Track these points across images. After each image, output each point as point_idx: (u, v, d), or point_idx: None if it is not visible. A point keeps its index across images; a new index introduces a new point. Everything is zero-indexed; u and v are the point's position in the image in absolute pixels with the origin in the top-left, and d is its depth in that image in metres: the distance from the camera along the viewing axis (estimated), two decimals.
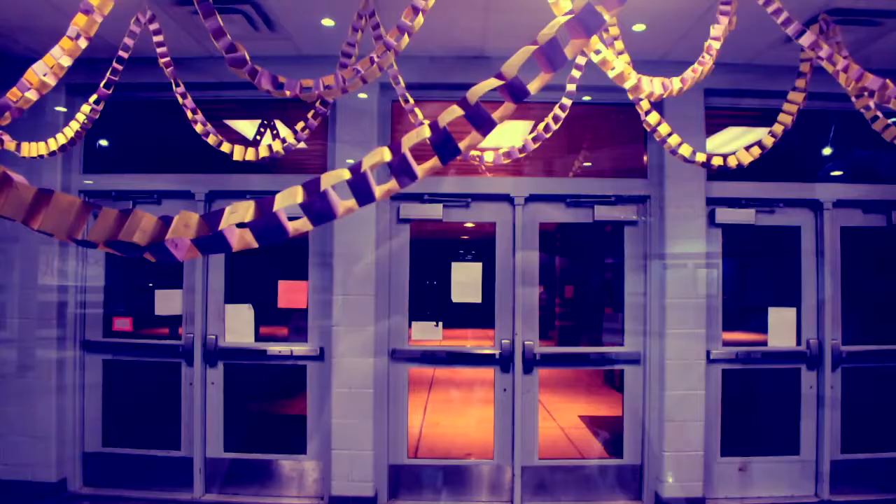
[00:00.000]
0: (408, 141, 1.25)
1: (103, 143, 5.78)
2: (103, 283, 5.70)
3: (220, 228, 1.13)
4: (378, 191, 1.22)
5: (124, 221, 1.12)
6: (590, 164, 5.88)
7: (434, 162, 1.26)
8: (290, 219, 1.24)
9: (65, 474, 5.48)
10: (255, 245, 1.18)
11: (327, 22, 4.75)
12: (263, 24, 4.76)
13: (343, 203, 1.21)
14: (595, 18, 1.21)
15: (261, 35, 4.89)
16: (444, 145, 1.22)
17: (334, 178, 1.19)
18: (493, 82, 1.25)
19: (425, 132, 1.25)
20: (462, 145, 1.24)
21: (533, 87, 1.27)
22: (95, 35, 2.88)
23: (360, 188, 1.19)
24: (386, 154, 1.23)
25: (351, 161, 5.47)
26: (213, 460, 5.51)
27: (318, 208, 1.17)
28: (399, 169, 1.21)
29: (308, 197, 1.16)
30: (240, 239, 1.17)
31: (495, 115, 1.26)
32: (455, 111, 1.26)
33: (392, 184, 1.24)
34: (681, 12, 4.53)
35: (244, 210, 1.14)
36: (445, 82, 5.40)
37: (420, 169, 1.24)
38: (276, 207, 1.15)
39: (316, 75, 3.32)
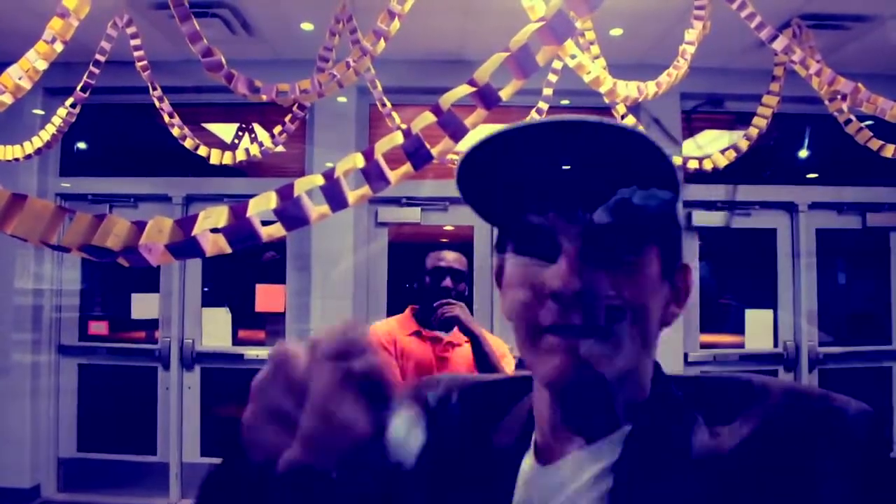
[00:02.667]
0: (381, 147, 1.25)
1: (81, 146, 5.74)
2: (79, 287, 5.64)
3: (193, 234, 1.13)
4: (351, 196, 1.23)
5: (98, 226, 1.11)
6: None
7: (407, 168, 1.27)
8: (265, 223, 1.24)
9: (38, 480, 5.41)
10: (229, 250, 1.19)
11: (306, 26, 4.74)
12: (241, 29, 4.75)
13: (316, 208, 1.21)
14: (566, 25, 1.22)
15: (238, 39, 4.87)
16: (416, 152, 1.23)
17: (307, 184, 1.20)
18: (466, 88, 1.26)
19: (398, 138, 1.26)
20: (435, 151, 1.24)
21: (505, 93, 1.28)
22: (73, 38, 2.86)
23: (333, 194, 1.20)
24: (359, 160, 1.24)
25: (330, 164, 5.45)
26: (190, 465, 5.46)
27: (291, 214, 1.17)
28: (372, 175, 1.22)
29: (281, 202, 1.17)
30: (213, 244, 1.17)
31: (468, 122, 1.27)
32: (428, 117, 1.26)
33: (365, 189, 1.24)
34: (657, 16, 4.57)
35: (218, 215, 1.14)
36: (425, 86, 5.40)
37: (393, 174, 1.25)
38: (249, 213, 1.15)
39: (293, 79, 3.32)
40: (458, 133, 1.26)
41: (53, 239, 1.14)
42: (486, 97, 1.26)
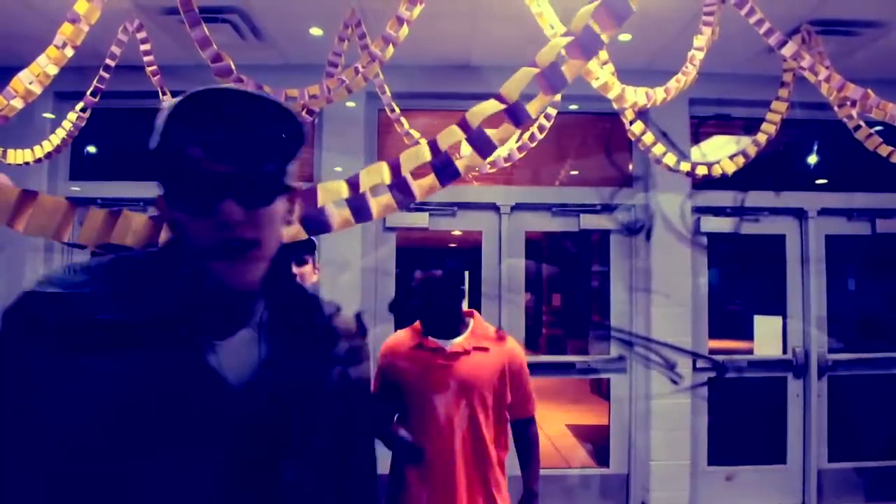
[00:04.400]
0: (407, 162, 1.25)
1: (91, 149, 5.75)
2: None
3: None
4: (375, 209, 1.23)
5: (113, 222, 1.12)
6: (577, 172, 5.91)
7: (432, 182, 1.27)
8: None
9: None
10: None
11: (316, 31, 4.75)
12: (250, 34, 4.76)
13: (341, 213, 1.22)
14: (594, 41, 1.22)
15: (248, 44, 4.88)
16: (444, 168, 1.23)
17: (334, 195, 1.20)
18: (495, 105, 1.26)
19: (425, 154, 1.26)
20: (460, 166, 1.24)
21: (532, 109, 1.27)
22: (84, 43, 2.87)
23: (358, 207, 1.20)
24: (386, 175, 1.24)
25: (339, 169, 5.47)
26: None
27: (316, 222, 1.18)
28: (399, 190, 1.22)
29: (303, 205, 1.17)
30: None
31: (495, 138, 1.27)
32: (455, 133, 1.26)
33: (390, 201, 1.24)
34: (666, 22, 4.56)
35: None
36: (434, 91, 5.42)
37: (418, 189, 1.25)
38: None
39: (303, 84, 3.33)
40: (486, 150, 1.26)
41: (66, 236, 1.14)
42: (517, 115, 1.26)
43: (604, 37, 1.25)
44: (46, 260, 5.42)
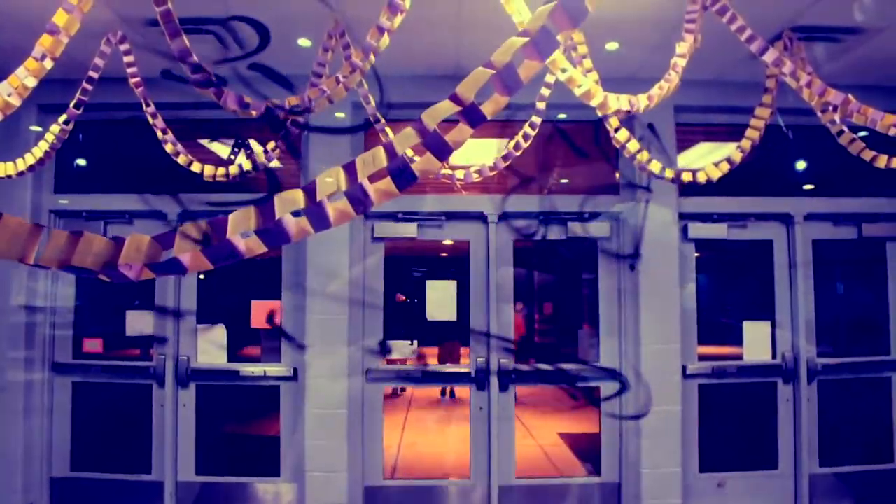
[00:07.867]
0: (363, 167, 1.23)
1: (80, 162, 5.72)
2: (74, 304, 5.62)
3: (172, 251, 1.12)
4: (333, 216, 1.21)
5: (75, 244, 1.10)
6: (565, 180, 5.91)
7: (389, 187, 1.25)
8: (246, 235, 1.22)
9: (32, 500, 5.37)
10: (210, 267, 1.17)
11: (304, 42, 4.74)
12: (235, 45, 4.75)
13: (298, 222, 1.19)
14: (549, 42, 1.21)
15: (233, 55, 4.87)
16: (400, 173, 1.21)
17: (290, 205, 1.18)
18: (450, 106, 1.25)
19: (381, 159, 1.24)
20: (416, 169, 1.22)
21: (487, 110, 1.26)
22: (67, 55, 2.86)
23: (316, 215, 1.18)
24: (342, 181, 1.22)
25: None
26: (185, 484, 5.42)
27: (273, 234, 1.16)
28: (356, 196, 1.20)
29: (261, 218, 1.15)
30: (194, 261, 1.15)
31: (451, 138, 1.25)
32: (411, 136, 1.24)
33: (346, 207, 1.22)
34: (652, 30, 4.57)
35: (196, 234, 1.13)
36: (423, 101, 5.39)
37: (375, 194, 1.23)
38: (229, 233, 1.13)
39: (289, 96, 3.32)
40: (442, 153, 1.24)
41: (31, 258, 1.13)
42: (471, 116, 1.24)
43: (559, 37, 1.24)
44: (31, 272, 5.38)
